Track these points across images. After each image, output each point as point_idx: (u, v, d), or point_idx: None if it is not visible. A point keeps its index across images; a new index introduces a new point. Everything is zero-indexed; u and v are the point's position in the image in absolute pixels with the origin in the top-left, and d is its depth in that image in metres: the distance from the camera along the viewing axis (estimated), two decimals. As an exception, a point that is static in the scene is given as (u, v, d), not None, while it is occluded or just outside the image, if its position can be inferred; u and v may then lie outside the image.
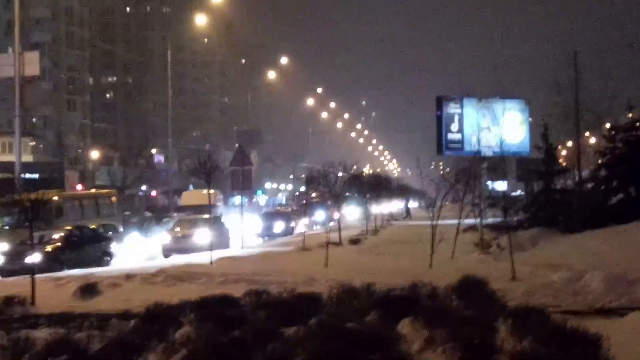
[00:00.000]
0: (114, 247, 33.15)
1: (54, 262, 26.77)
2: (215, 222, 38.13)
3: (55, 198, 37.29)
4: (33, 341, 10.53)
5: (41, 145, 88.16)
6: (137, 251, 37.58)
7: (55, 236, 29.65)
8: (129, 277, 21.17)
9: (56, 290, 18.89)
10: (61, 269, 25.15)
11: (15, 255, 27.83)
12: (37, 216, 20.51)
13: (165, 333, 11.22)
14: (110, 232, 36.59)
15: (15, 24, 44.98)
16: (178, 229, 39.19)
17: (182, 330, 11.43)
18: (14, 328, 12.71)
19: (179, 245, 35.63)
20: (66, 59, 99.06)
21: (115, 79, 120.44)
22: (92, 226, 35.65)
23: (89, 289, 18.28)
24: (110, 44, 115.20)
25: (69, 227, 30.42)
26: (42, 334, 11.26)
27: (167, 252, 35.21)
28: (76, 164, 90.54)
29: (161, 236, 38.98)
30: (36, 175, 60.82)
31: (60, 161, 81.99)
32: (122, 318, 13.40)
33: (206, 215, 40.58)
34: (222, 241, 34.54)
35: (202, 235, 35.52)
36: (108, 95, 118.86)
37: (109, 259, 31.16)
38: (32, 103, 58.78)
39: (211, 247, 28.25)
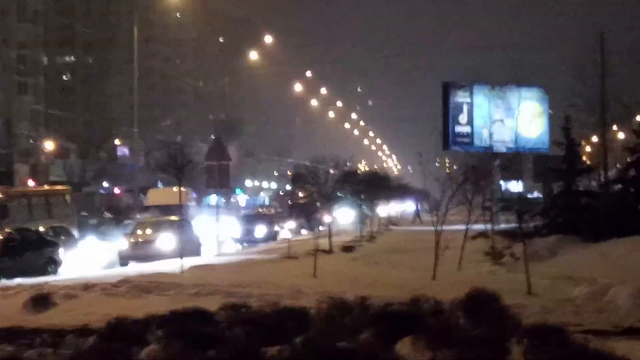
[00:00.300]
0: (61, 253, 32.45)
1: None
2: (183, 225, 37.59)
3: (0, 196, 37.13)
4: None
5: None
6: (92, 258, 37.07)
7: None
8: (87, 287, 21.13)
9: (3, 301, 18.86)
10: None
11: None
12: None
13: (129, 352, 11.24)
14: (63, 237, 36.03)
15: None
16: (138, 233, 38.61)
17: (148, 349, 11.45)
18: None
19: (139, 252, 35.36)
20: (16, 35, 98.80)
21: (73, 58, 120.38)
22: (42, 228, 35.29)
23: (41, 301, 18.23)
24: (68, 17, 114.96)
25: (7, 231, 30.04)
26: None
27: (124, 260, 34.79)
28: (27, 156, 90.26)
29: (119, 241, 38.68)
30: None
31: (9, 153, 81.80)
32: (79, 334, 13.37)
33: (172, 217, 40.45)
34: (190, 247, 33.39)
35: (165, 240, 35.34)
36: (65, 78, 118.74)
37: (54, 267, 30.63)
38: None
39: (181, 255, 28.17)
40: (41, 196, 45.38)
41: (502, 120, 40.99)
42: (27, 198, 42.63)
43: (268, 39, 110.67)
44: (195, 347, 11.30)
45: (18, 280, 26.23)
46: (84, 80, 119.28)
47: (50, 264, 30.25)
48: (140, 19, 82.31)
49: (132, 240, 36.89)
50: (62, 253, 31.82)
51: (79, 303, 18.45)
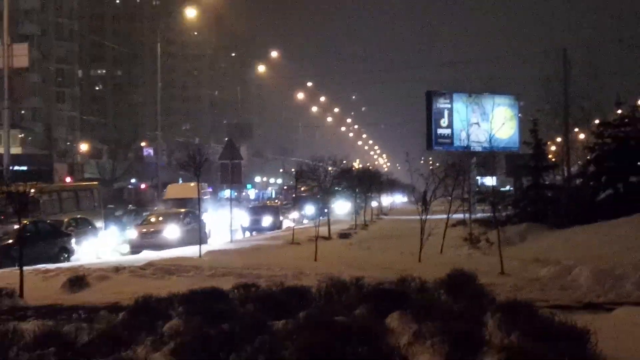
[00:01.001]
0: (73, 243, 31.85)
1: (5, 258, 26.34)
2: (189, 216, 37.42)
3: (32, 191, 36.78)
4: (21, 333, 10.49)
5: (30, 138, 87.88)
6: (112, 246, 37.06)
7: (9, 232, 28.91)
8: (117, 269, 21.11)
9: (44, 282, 18.85)
10: (13, 265, 24.61)
11: None
12: (25, 208, 20.40)
13: (154, 326, 11.22)
14: (85, 227, 35.45)
15: (4, 16, 44.82)
16: (147, 223, 38.40)
17: (170, 323, 11.43)
18: (1, 320, 12.65)
19: (147, 241, 34.71)
20: (55, 51, 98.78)
21: (104, 71, 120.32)
22: (65, 219, 34.75)
23: (77, 282, 18.22)
24: (99, 36, 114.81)
25: (25, 222, 29.77)
26: (30, 326, 11.19)
27: (135, 249, 34.18)
28: (65, 157, 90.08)
29: (129, 231, 38.63)
30: (25, 168, 60.42)
31: (49, 154, 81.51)
32: (110, 310, 13.36)
33: (179, 210, 40.30)
34: (195, 237, 32.76)
35: (171, 230, 35.14)
36: (97, 88, 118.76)
37: (67, 255, 30.19)
38: (20, 95, 58.66)
39: (199, 241, 28.12)
40: (70, 191, 44.99)
41: (478, 124, 41.05)
42: (57, 193, 42.24)
43: (274, 54, 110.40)
44: (212, 321, 11.27)
45: (59, 264, 26.25)
46: (113, 91, 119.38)
47: (63, 253, 29.89)
48: (162, 37, 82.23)
49: (142, 230, 36.65)
50: (74, 243, 31.23)
51: (110, 284, 18.46)
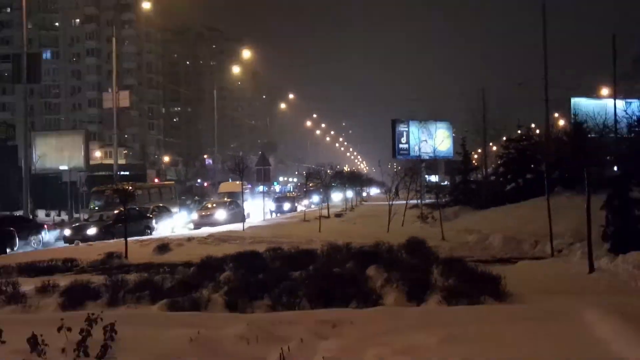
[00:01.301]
0: (154, 223, 31.42)
1: (107, 233, 26.36)
2: (232, 204, 37.58)
3: (130, 188, 36.60)
4: (127, 281, 10.61)
5: (130, 153, 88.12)
6: (181, 224, 36.47)
7: (110, 216, 29.27)
8: (189, 239, 21.22)
9: (140, 248, 18.94)
10: (112, 239, 24.61)
11: (79, 229, 27.71)
12: (126, 200, 20.54)
13: (214, 276, 11.32)
14: (163, 212, 35.28)
15: (113, 73, 45.23)
16: (204, 209, 38.01)
17: (224, 274, 11.52)
18: (113, 273, 12.76)
19: (203, 221, 34.33)
20: (147, 96, 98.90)
21: (179, 108, 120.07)
22: (155, 205, 34.77)
23: (163, 247, 18.33)
24: (176, 85, 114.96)
25: (120, 209, 29.65)
26: (132, 277, 11.32)
27: (196, 226, 33.87)
28: (154, 165, 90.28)
29: (193, 214, 38.20)
30: (127, 173, 60.63)
31: (143, 163, 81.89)
32: (185, 266, 13.49)
33: (225, 199, 40.62)
34: (236, 218, 33.09)
35: (219, 214, 35.30)
36: (174, 120, 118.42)
37: (149, 231, 29.75)
38: (124, 125, 58.60)
39: (244, 220, 28.32)
40: (156, 188, 44.90)
41: (426, 141, 41.20)
42: (147, 189, 42.14)
43: (290, 96, 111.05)
44: (252, 272, 11.35)
45: (150, 236, 26.31)
46: (185, 121, 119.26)
47: (147, 229, 29.64)
48: (217, 85, 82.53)
49: (201, 213, 36.51)
50: (154, 223, 31.09)
51: (184, 249, 18.52)
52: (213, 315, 8.49)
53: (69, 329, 6.34)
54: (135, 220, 29.55)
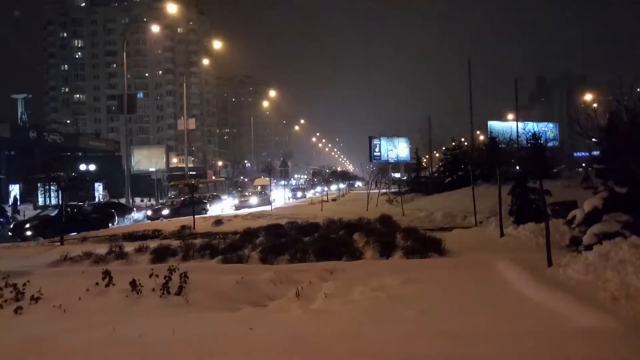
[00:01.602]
0: (209, 205, 30.39)
1: (175, 213, 26.09)
2: (262, 193, 37.44)
3: (194, 183, 36.30)
4: (194, 244, 10.58)
5: (196, 159, 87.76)
6: (228, 206, 36.38)
7: (177, 202, 29.01)
8: (235, 216, 21.14)
9: (203, 222, 18.85)
10: (179, 217, 23.95)
11: (157, 210, 27.61)
12: (192, 190, 20.51)
13: (252, 240, 11.29)
14: (217, 198, 34.68)
15: (184, 107, 45.07)
16: (243, 196, 37.42)
17: (259, 239, 11.49)
18: (185, 239, 12.73)
19: (242, 204, 33.78)
20: (206, 121, 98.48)
21: (228, 130, 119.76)
22: (210, 194, 34.26)
23: (218, 222, 18.28)
24: (225, 114, 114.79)
25: (185, 197, 28.93)
26: (198, 241, 11.28)
27: (237, 208, 33.09)
28: (212, 167, 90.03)
29: (235, 200, 37.43)
30: (194, 172, 60.54)
31: (204, 166, 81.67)
32: (233, 234, 13.42)
33: (257, 190, 40.72)
34: (265, 202, 32.59)
35: (253, 200, 35.16)
36: (225, 137, 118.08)
37: (205, 212, 28.66)
38: (192, 141, 58.14)
39: (270, 203, 28.24)
40: (211, 183, 44.81)
41: (391, 150, 40.94)
42: (207, 184, 41.89)
43: (302, 121, 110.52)
44: (277, 237, 11.32)
45: (207, 214, 26.13)
46: (232, 138, 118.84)
47: (203, 210, 28.74)
48: (254, 114, 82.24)
49: (241, 199, 36.29)
50: (209, 206, 30.59)
51: (232, 223, 18.41)
52: (251, 266, 8.50)
53: (157, 276, 6.37)
54: (195, 204, 29.30)
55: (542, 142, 10.28)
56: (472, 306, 5.47)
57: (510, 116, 38.53)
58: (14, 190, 37.34)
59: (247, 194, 38.56)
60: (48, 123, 77.79)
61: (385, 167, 34.93)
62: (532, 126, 24.34)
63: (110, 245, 10.55)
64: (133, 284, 6.12)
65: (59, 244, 13.71)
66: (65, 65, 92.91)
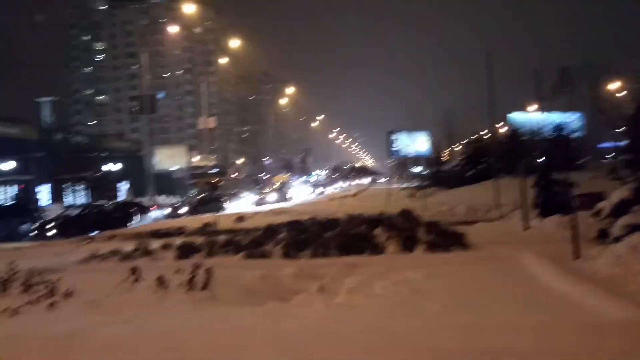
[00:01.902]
0: (224, 204, 30.79)
1: (194, 211, 26.28)
2: (281, 190, 37.57)
3: (213, 180, 36.33)
4: (218, 241, 10.72)
5: (217, 157, 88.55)
6: (248, 203, 36.48)
7: (194, 199, 29.37)
8: (256, 213, 21.34)
9: (225, 219, 19.07)
10: (198, 214, 24.27)
11: (175, 209, 27.94)
12: (213, 189, 20.81)
13: (274, 236, 11.33)
14: (234, 196, 34.87)
15: (205, 106, 45.61)
16: (262, 193, 37.79)
17: (281, 235, 11.53)
18: (208, 235, 12.87)
19: (261, 201, 34.18)
20: (225, 120, 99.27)
21: (247, 127, 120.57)
22: (228, 192, 34.60)
23: (240, 218, 18.48)
24: (244, 112, 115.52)
25: (202, 195, 29.17)
26: (221, 238, 11.41)
27: (257, 204, 33.51)
28: (232, 166, 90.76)
29: (255, 197, 38.14)
30: (214, 170, 61.15)
31: (224, 165, 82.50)
32: (255, 230, 13.46)
33: (277, 186, 40.96)
34: (283, 199, 33.20)
35: (271, 196, 35.30)
36: (243, 135, 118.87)
37: (221, 210, 28.77)
38: (211, 140, 58.64)
39: (290, 200, 28.45)
40: (231, 180, 45.40)
41: (411, 144, 40.70)
42: (225, 181, 42.46)
43: (321, 117, 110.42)
44: (298, 234, 11.36)
45: (228, 212, 26.37)
46: (251, 136, 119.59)
47: (221, 209, 28.95)
48: (272, 112, 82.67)
49: (260, 196, 36.49)
50: (228, 202, 30.83)
51: (254, 219, 18.56)
52: (274, 261, 8.59)
53: (183, 272, 6.50)
54: (213, 202, 29.52)
55: (566, 132, 10.09)
56: (497, 300, 5.43)
57: (533, 107, 37.87)
58: (42, 190, 38.42)
59: (266, 190, 38.80)
60: (72, 125, 79.57)
61: (405, 162, 34.80)
62: (556, 117, 23.97)
63: (137, 243, 10.78)
64: (160, 280, 6.25)
65: (86, 242, 14.08)
66: (87, 68, 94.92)
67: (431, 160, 39.62)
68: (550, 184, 12.83)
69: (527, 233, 10.70)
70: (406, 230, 10.38)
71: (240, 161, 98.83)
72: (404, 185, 32.84)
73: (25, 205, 27.91)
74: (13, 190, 35.30)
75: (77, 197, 38.13)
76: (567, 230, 8.87)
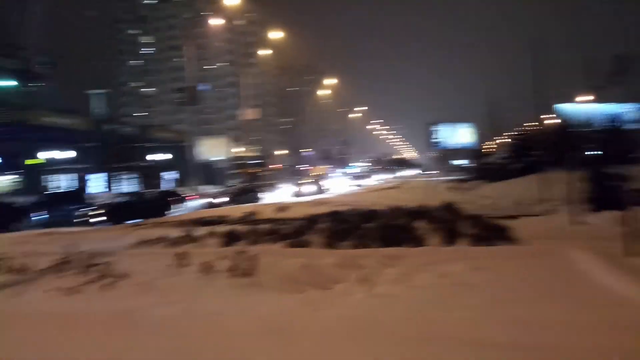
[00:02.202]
0: (260, 194, 30.97)
1: (232, 201, 26.54)
2: (319, 181, 37.55)
3: (253, 171, 36.76)
4: (260, 229, 10.90)
5: (257, 148, 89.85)
6: (287, 194, 36.34)
7: (233, 190, 29.78)
8: (296, 203, 21.49)
9: (266, 208, 19.32)
10: (237, 204, 24.58)
11: (216, 197, 28.40)
12: (253, 179, 21.18)
13: (314, 226, 11.39)
14: (277, 185, 35.21)
15: (246, 97, 46.27)
16: (300, 184, 37.78)
17: (321, 225, 11.58)
18: (250, 224, 13.05)
19: (300, 192, 34.19)
20: (267, 111, 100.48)
21: (287, 119, 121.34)
22: (265, 183, 35.06)
23: (279, 208, 18.68)
24: (284, 103, 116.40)
25: (239, 186, 29.44)
26: (263, 226, 11.60)
27: (295, 196, 33.56)
28: (271, 156, 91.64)
29: (294, 188, 38.30)
30: (255, 162, 62.02)
31: (264, 155, 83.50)
32: (295, 220, 13.51)
33: (315, 177, 41.00)
34: (322, 190, 33.14)
35: (310, 187, 35.30)
36: (284, 126, 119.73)
37: (257, 200, 29.22)
38: (253, 131, 59.50)
39: (328, 191, 28.55)
40: (270, 171, 45.91)
41: (453, 136, 40.03)
42: (265, 171, 42.97)
43: (364, 108, 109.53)
44: (338, 224, 11.38)
45: (267, 201, 26.64)
46: (292, 127, 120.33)
47: (259, 199, 29.27)
48: (310, 102, 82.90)
49: (299, 187, 36.55)
50: (267, 192, 31.01)
51: (295, 209, 18.59)
52: (314, 250, 8.67)
53: (227, 258, 6.69)
54: (251, 192, 29.88)
55: (621, 124, 9.63)
56: (544, 295, 5.28)
57: (583, 98, 36.23)
58: (92, 179, 40.30)
59: (305, 181, 38.95)
60: (120, 116, 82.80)
61: (447, 154, 34.20)
62: (610, 108, 22.85)
63: (183, 230, 11.15)
64: (206, 265, 6.48)
65: (134, 228, 14.68)
66: (134, 61, 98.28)
67: (475, 152, 38.75)
68: (603, 178, 12.29)
69: (576, 228, 10.30)
70: (448, 223, 10.22)
71: (279, 152, 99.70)
72: (446, 177, 32.26)
73: (79, 192, 29.40)
74: (66, 178, 37.22)
75: (124, 185, 39.76)
76: (620, 227, 8.48)
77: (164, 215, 22.03)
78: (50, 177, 36.54)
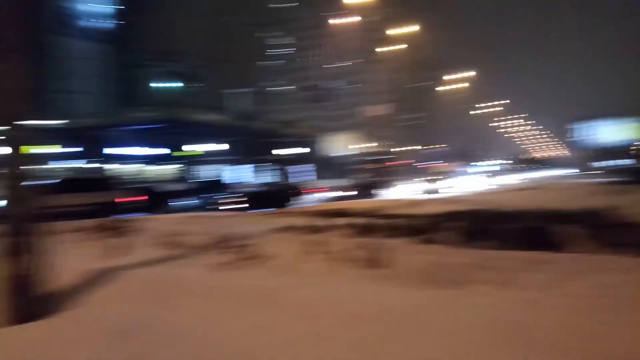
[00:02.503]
0: (375, 191, 29.62)
1: (357, 196, 26.26)
2: (448, 179, 36.25)
3: (378, 166, 36.15)
4: (393, 224, 10.69)
5: (386, 144, 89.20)
6: (414, 190, 35.26)
7: (361, 182, 29.38)
8: (424, 200, 20.78)
9: (397, 204, 18.86)
10: (361, 198, 24.17)
11: (339, 191, 28.15)
12: (382, 174, 21.07)
13: (446, 223, 10.64)
14: (402, 182, 34.62)
15: (375, 94, 46.23)
16: (428, 180, 36.77)
17: (453, 223, 10.99)
18: (383, 218, 12.62)
19: (427, 189, 33.17)
20: (395, 106, 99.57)
21: (416, 115, 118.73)
22: (387, 178, 34.66)
23: (412, 204, 18.15)
24: (414, 99, 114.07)
25: (367, 180, 28.69)
26: (396, 221, 11.17)
27: (424, 192, 32.48)
28: (400, 152, 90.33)
29: (423, 185, 37.03)
30: (383, 157, 61.98)
31: (392, 151, 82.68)
32: (425, 216, 13.07)
33: (444, 174, 39.62)
34: (451, 188, 31.94)
35: (439, 184, 34.24)
36: (413, 122, 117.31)
37: (386, 194, 28.54)
38: (381, 127, 59.53)
39: (458, 188, 27.38)
40: (399, 166, 45.37)
41: (605, 133, 35.31)
42: (392, 167, 42.64)
43: (499, 102, 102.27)
44: (472, 223, 10.67)
45: (398, 197, 26.33)
46: (421, 123, 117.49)
47: (372, 194, 27.89)
48: (443, 98, 79.91)
49: (427, 184, 35.52)
50: (376, 190, 29.96)
51: (426, 205, 17.87)
52: (445, 248, 8.39)
53: (362, 248, 6.82)
54: (376, 187, 29.68)
55: None
56: None
57: None
58: (236, 170, 44.28)
59: (433, 178, 37.93)
60: (257, 113, 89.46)
61: (598, 153, 30.25)
62: None
63: (320, 219, 11.61)
64: (341, 254, 6.68)
65: (271, 215, 15.72)
66: (269, 61, 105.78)
67: (634, 151, 33.71)
68: None
69: None
70: (597, 229, 9.04)
71: (407, 148, 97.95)
72: (596, 179, 28.63)
73: (222, 181, 32.53)
74: (215, 168, 41.47)
75: (261, 177, 42.96)
76: None
77: (284, 206, 22.77)
78: (202, 167, 41.12)
